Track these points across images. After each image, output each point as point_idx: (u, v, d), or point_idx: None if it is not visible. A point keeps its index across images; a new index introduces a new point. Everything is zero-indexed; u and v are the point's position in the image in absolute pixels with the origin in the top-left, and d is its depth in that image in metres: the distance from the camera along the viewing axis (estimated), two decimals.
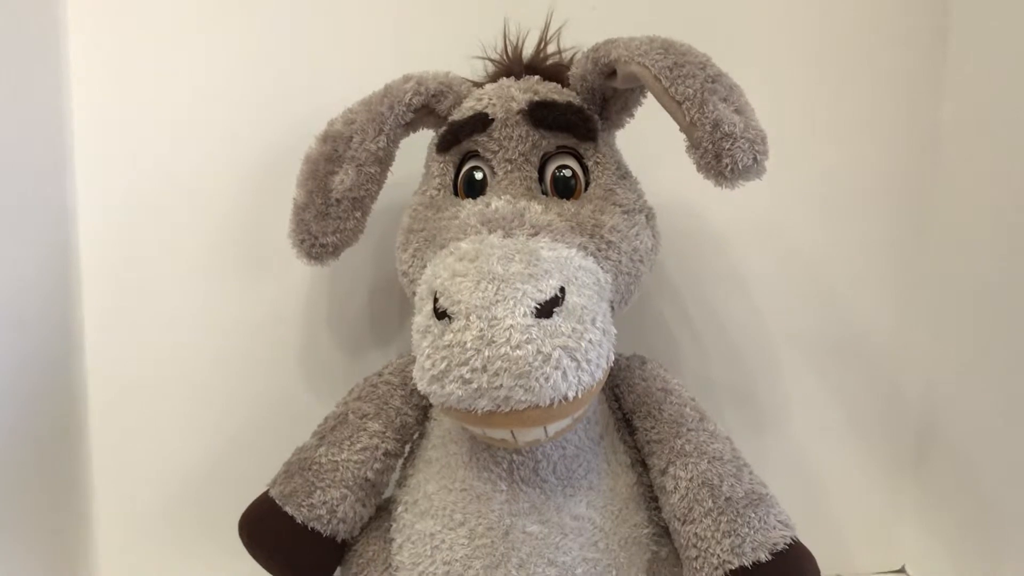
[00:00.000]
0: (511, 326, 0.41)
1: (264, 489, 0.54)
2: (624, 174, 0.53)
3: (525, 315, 0.41)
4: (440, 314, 0.43)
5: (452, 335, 0.42)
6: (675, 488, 0.49)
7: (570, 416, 0.44)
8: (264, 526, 0.53)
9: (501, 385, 0.41)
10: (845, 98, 0.69)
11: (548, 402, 0.41)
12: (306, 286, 0.66)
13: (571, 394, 0.42)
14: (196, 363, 0.66)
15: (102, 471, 0.66)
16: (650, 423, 0.52)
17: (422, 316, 0.44)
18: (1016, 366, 0.62)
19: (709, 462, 0.49)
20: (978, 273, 0.66)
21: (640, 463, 0.53)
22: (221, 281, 0.65)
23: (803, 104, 0.69)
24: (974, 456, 0.67)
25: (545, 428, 0.44)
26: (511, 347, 0.41)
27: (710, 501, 0.48)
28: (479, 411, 0.42)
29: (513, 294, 0.42)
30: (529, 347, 0.41)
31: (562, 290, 0.43)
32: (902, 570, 0.74)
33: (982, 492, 0.65)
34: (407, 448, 0.56)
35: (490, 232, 0.47)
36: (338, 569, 0.56)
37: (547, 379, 0.41)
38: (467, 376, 0.41)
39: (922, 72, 0.69)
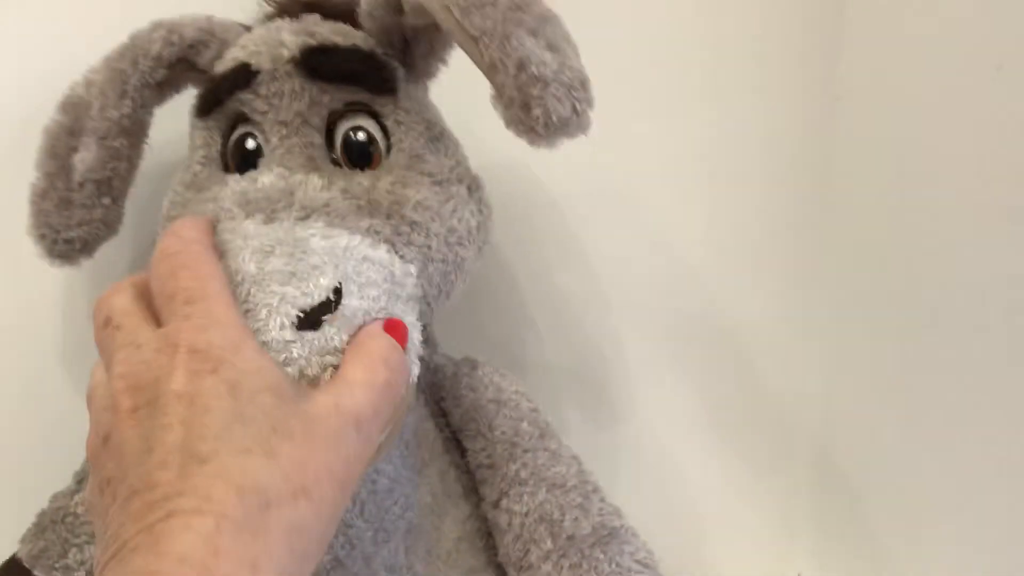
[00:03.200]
0: (264, 343, 0.31)
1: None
2: (438, 135, 0.42)
3: (283, 327, 0.31)
4: None
5: None
6: (509, 525, 0.40)
7: None
8: None
9: None
10: (730, 60, 0.59)
11: None
12: (63, 289, 0.54)
13: None
14: None
15: None
16: (480, 443, 0.42)
17: None
18: (916, 389, 0.57)
19: (548, 490, 0.40)
20: (876, 274, 0.60)
21: (475, 491, 0.43)
22: None
23: (684, 64, 0.58)
24: (869, 472, 0.61)
25: None
26: None
27: (549, 541, 0.38)
28: None
29: (268, 300, 0.32)
30: (289, 369, 0.31)
31: (337, 291, 0.33)
32: None
33: (877, 507, 0.60)
34: None
35: (247, 217, 0.36)
36: None
37: None
38: None
39: (818, 28, 0.60)
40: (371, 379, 0.32)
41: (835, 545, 0.65)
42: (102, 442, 0.29)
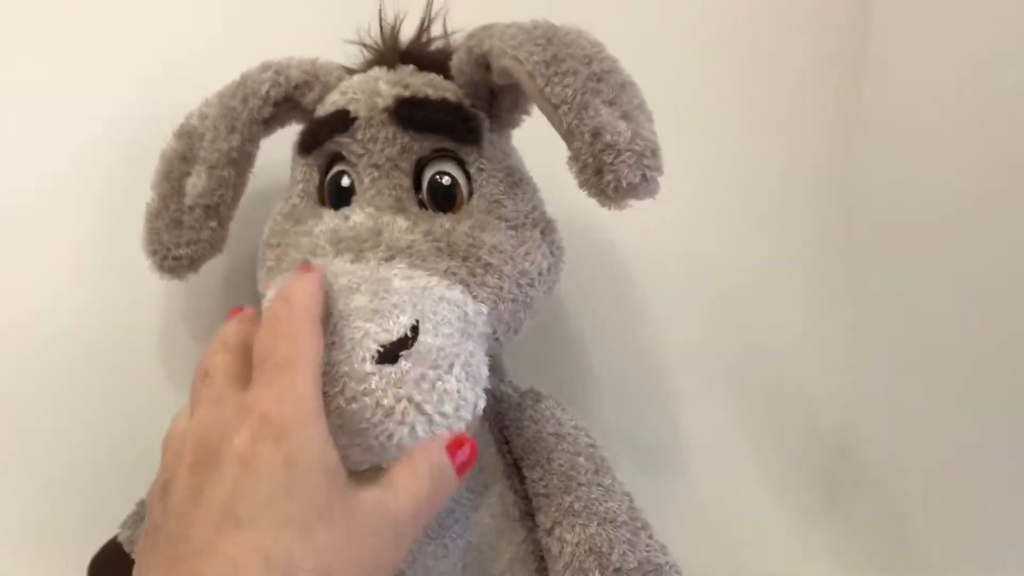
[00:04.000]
0: (346, 373, 0.34)
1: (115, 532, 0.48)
2: (516, 182, 0.45)
3: (364, 360, 0.34)
4: None
5: None
6: (560, 552, 0.42)
7: None
8: (110, 572, 0.47)
9: (336, 444, 0.34)
10: (758, 93, 0.61)
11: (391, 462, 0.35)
12: (166, 296, 0.58)
13: None
14: (42, 378, 0.57)
15: None
16: (538, 473, 0.44)
17: None
18: (936, 398, 0.57)
19: (599, 524, 0.41)
20: (899, 303, 0.61)
21: (531, 515, 0.45)
22: (73, 291, 0.57)
23: (712, 99, 0.61)
24: (890, 491, 0.62)
25: None
26: (345, 399, 0.34)
27: (597, 572, 0.40)
28: None
29: (351, 334, 0.35)
30: (367, 400, 0.34)
31: (414, 329, 0.36)
32: None
33: (897, 527, 0.61)
34: None
35: (337, 255, 0.40)
36: None
37: (390, 437, 0.34)
38: None
39: (840, 64, 0.62)
40: (417, 489, 0.33)
41: (856, 554, 0.65)
42: (161, 488, 0.31)
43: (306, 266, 0.38)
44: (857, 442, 0.65)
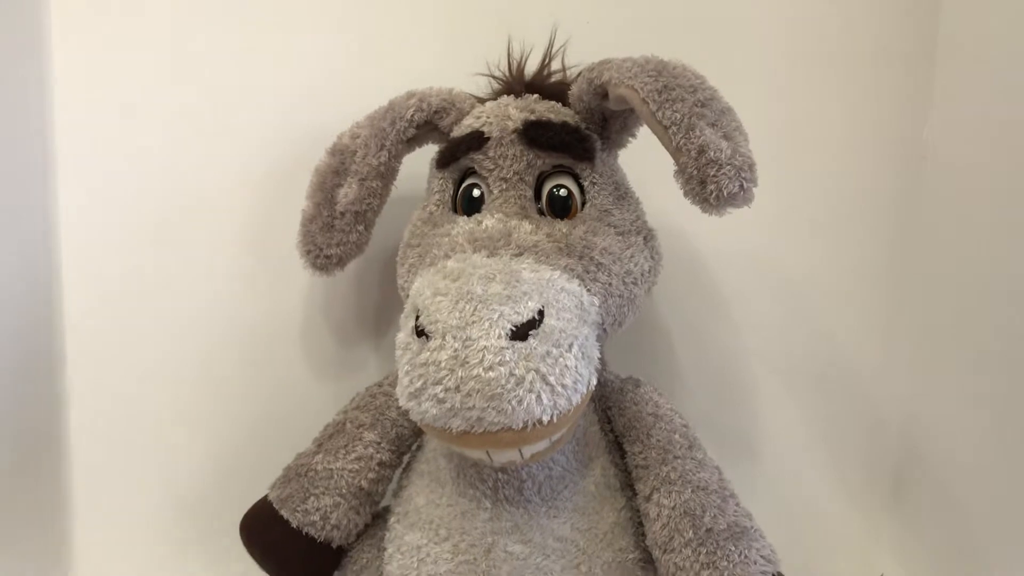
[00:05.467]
0: (485, 347, 0.41)
1: (265, 492, 0.56)
2: (623, 195, 0.52)
3: (500, 337, 0.41)
4: (419, 332, 0.43)
5: (428, 353, 0.42)
6: (658, 516, 0.48)
7: (546, 439, 0.44)
8: (261, 528, 0.55)
9: (474, 406, 0.41)
10: (831, 116, 0.68)
11: (521, 425, 0.41)
12: (310, 295, 0.66)
13: (545, 418, 0.42)
14: (186, 370, 0.66)
15: (84, 479, 0.66)
16: (638, 448, 0.51)
17: (404, 332, 0.45)
18: (997, 396, 0.61)
19: (693, 491, 0.48)
20: (962, 300, 0.65)
21: (630, 487, 0.52)
22: (217, 285, 0.65)
23: (790, 122, 0.68)
24: (952, 486, 0.66)
25: (520, 450, 0.44)
26: (484, 368, 0.41)
27: (691, 531, 0.47)
28: (453, 430, 0.42)
29: (489, 315, 0.42)
30: (502, 369, 0.41)
31: (540, 313, 0.43)
32: None
33: (960, 522, 0.65)
34: (404, 459, 0.56)
35: (475, 251, 0.47)
36: (335, 573, 0.57)
37: (520, 402, 0.41)
38: (441, 395, 0.41)
39: (907, 91, 0.68)
40: None
41: (918, 547, 0.70)
42: None
43: None
44: (921, 439, 0.70)
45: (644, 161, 0.53)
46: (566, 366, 0.42)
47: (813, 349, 0.71)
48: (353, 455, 0.54)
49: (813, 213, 0.69)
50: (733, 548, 0.46)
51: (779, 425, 0.71)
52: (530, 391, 0.41)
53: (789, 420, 0.71)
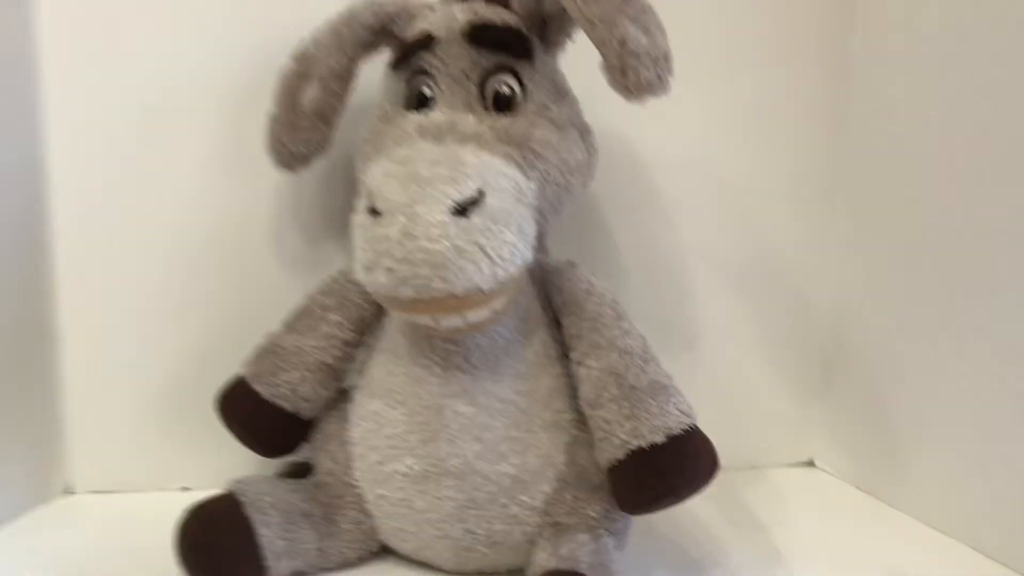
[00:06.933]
0: (430, 222, 0.46)
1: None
2: (561, 92, 0.57)
3: (443, 213, 0.46)
4: (372, 211, 0.48)
5: (380, 229, 0.47)
6: (587, 377, 0.54)
7: (486, 307, 0.50)
8: (236, 402, 0.60)
9: (420, 275, 0.46)
10: (763, 21, 0.74)
11: (462, 291, 0.47)
12: (278, 193, 0.71)
13: (484, 286, 0.47)
14: (168, 264, 0.70)
15: (76, 371, 0.70)
16: (573, 320, 0.56)
17: (359, 213, 0.50)
18: (923, 288, 0.67)
19: (619, 354, 0.54)
20: (893, 196, 0.71)
21: (566, 356, 0.57)
22: (196, 186, 0.70)
23: (723, 29, 0.74)
24: (878, 375, 0.72)
25: (464, 316, 0.50)
26: (429, 241, 0.46)
27: (616, 388, 0.52)
28: (404, 298, 0.48)
29: (434, 194, 0.47)
30: (445, 242, 0.46)
31: (481, 192, 0.48)
32: (810, 462, 0.82)
33: (885, 408, 0.72)
34: (365, 338, 0.62)
35: (423, 139, 0.52)
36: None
37: (461, 270, 0.46)
38: (392, 266, 0.47)
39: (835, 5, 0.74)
40: None
41: (845, 431, 0.78)
42: None
43: None
44: (850, 329, 0.77)
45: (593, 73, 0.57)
46: (504, 240, 0.48)
47: (748, 245, 0.77)
48: (319, 333, 0.60)
49: (748, 115, 0.75)
50: (652, 402, 0.52)
51: (715, 316, 0.77)
52: (471, 261, 0.46)
53: (725, 311, 0.77)
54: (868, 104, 0.73)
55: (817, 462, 0.82)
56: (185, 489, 0.72)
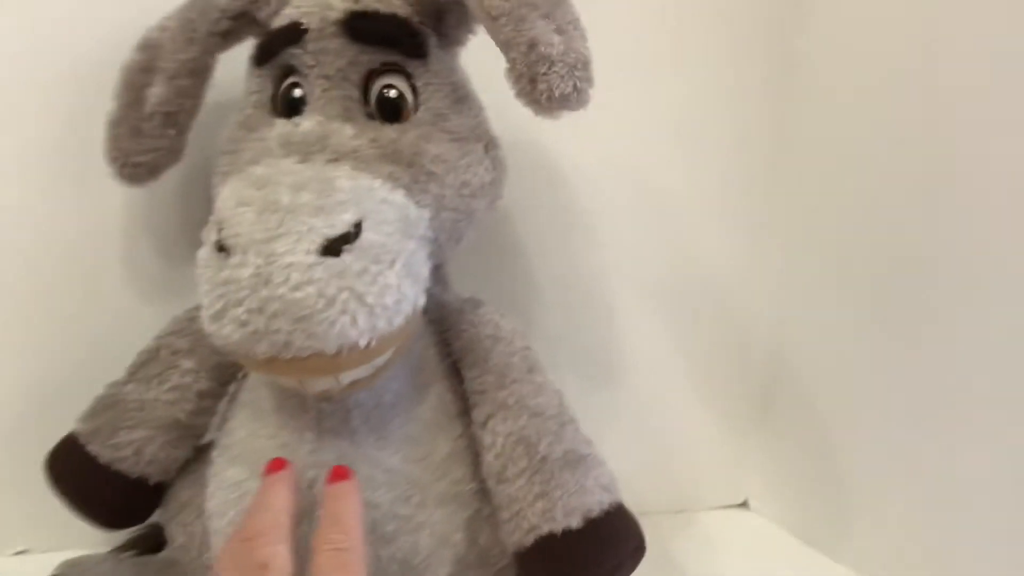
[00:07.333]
0: (291, 264, 0.36)
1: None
2: (462, 98, 0.47)
3: (308, 252, 0.37)
4: (220, 247, 0.38)
5: (229, 271, 0.37)
6: (492, 444, 0.45)
7: (367, 364, 0.40)
8: (66, 465, 0.50)
9: (279, 329, 0.36)
10: (699, 19, 0.65)
11: (334, 350, 0.37)
12: (129, 210, 0.60)
13: (362, 342, 0.38)
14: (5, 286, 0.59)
15: None
16: (476, 372, 0.47)
17: (205, 248, 0.40)
18: (865, 316, 0.61)
19: (529, 417, 0.45)
20: (834, 210, 0.64)
21: (468, 414, 0.49)
22: (24, 200, 0.58)
23: (655, 25, 0.65)
24: (819, 410, 0.66)
25: (337, 377, 0.40)
26: (289, 287, 0.36)
27: (525, 460, 0.44)
28: (259, 356, 0.38)
29: (297, 228, 0.37)
30: (310, 288, 0.36)
31: (357, 225, 0.38)
32: (744, 504, 0.75)
33: (821, 435, 0.66)
34: (228, 388, 0.52)
35: (286, 156, 0.42)
36: (158, 511, 0.53)
37: (332, 324, 0.37)
38: (243, 317, 0.37)
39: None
40: None
41: (783, 470, 0.71)
42: None
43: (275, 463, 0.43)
44: (788, 360, 0.70)
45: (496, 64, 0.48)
46: (387, 284, 0.38)
47: (677, 265, 0.68)
48: (168, 384, 0.49)
49: (678, 120, 0.66)
50: (569, 476, 0.43)
51: (641, 345, 0.69)
52: (343, 312, 0.37)
53: (652, 340, 0.69)
54: (813, 107, 0.66)
55: (752, 503, 0.75)
56: (22, 552, 0.61)
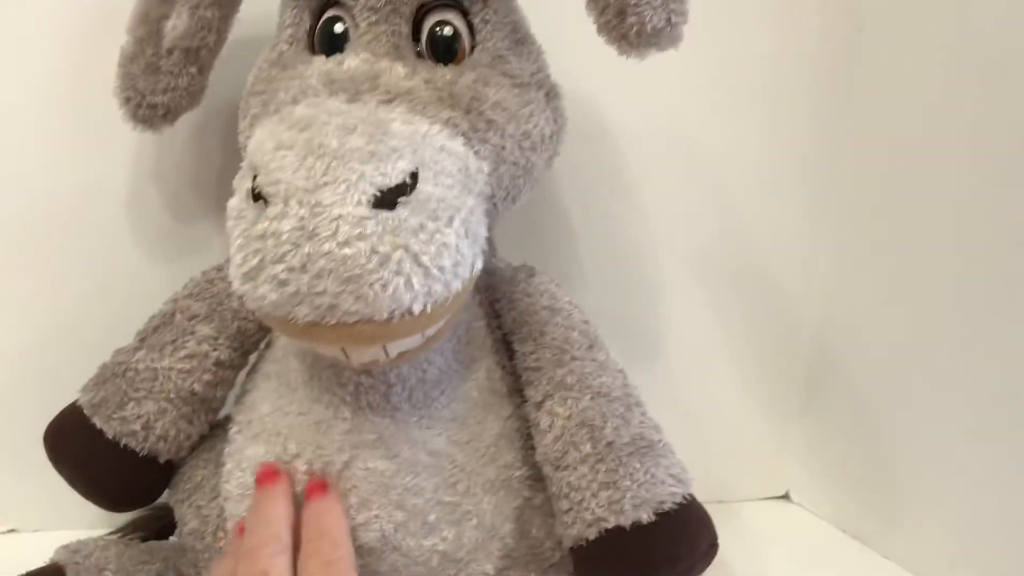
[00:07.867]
0: (340, 216, 0.32)
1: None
2: (522, 39, 0.42)
3: (359, 204, 0.32)
4: (257, 195, 0.33)
5: (267, 223, 0.32)
6: (551, 426, 0.41)
7: (418, 334, 0.35)
8: (68, 439, 0.45)
9: (325, 290, 0.32)
10: None
11: (386, 315, 0.33)
12: (138, 159, 0.55)
13: (416, 307, 0.33)
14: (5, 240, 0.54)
15: None
16: (530, 347, 0.43)
17: (237, 197, 0.35)
18: (915, 301, 0.57)
19: (592, 398, 0.40)
20: (888, 203, 0.60)
21: (519, 392, 0.44)
22: (23, 151, 0.54)
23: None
24: (866, 389, 0.62)
25: (385, 347, 0.35)
26: (338, 243, 0.32)
27: (589, 445, 0.39)
28: (299, 320, 0.33)
29: (347, 176, 0.32)
30: (361, 244, 0.32)
31: (414, 176, 0.34)
32: (786, 496, 0.71)
33: (868, 425, 0.62)
34: (248, 358, 0.47)
35: (332, 95, 0.37)
36: (166, 492, 0.48)
37: (384, 286, 0.32)
38: (282, 276, 0.32)
39: None
40: None
41: (826, 460, 0.67)
42: None
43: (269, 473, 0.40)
44: (836, 344, 0.65)
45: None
46: (444, 244, 0.34)
47: (728, 240, 0.64)
48: (183, 352, 0.45)
49: (736, 86, 0.61)
50: (638, 465, 0.39)
51: (681, 324, 0.64)
52: (398, 273, 0.32)
53: (692, 318, 0.65)
54: (876, 80, 0.60)
55: (793, 495, 0.71)
56: (10, 532, 0.58)
